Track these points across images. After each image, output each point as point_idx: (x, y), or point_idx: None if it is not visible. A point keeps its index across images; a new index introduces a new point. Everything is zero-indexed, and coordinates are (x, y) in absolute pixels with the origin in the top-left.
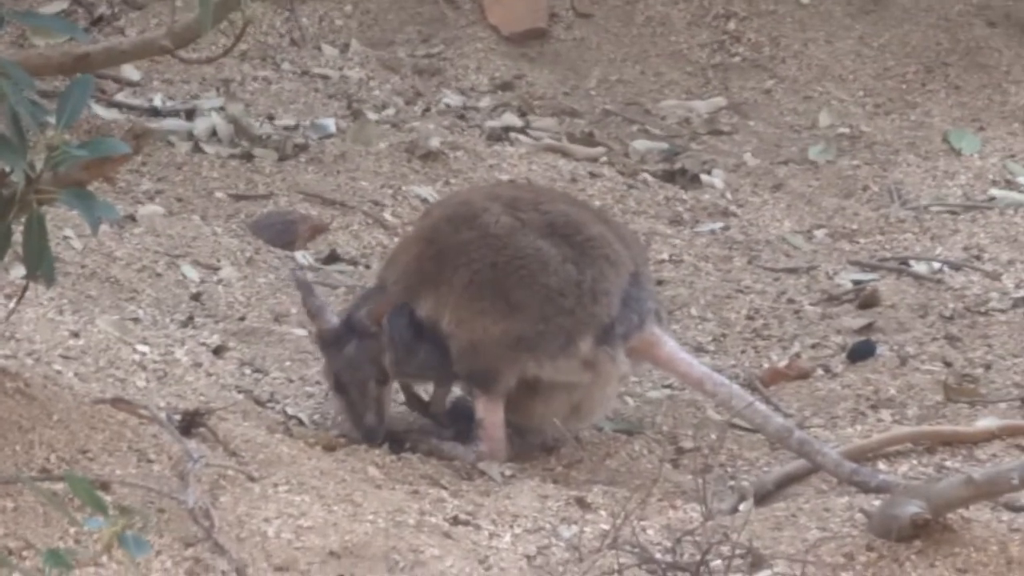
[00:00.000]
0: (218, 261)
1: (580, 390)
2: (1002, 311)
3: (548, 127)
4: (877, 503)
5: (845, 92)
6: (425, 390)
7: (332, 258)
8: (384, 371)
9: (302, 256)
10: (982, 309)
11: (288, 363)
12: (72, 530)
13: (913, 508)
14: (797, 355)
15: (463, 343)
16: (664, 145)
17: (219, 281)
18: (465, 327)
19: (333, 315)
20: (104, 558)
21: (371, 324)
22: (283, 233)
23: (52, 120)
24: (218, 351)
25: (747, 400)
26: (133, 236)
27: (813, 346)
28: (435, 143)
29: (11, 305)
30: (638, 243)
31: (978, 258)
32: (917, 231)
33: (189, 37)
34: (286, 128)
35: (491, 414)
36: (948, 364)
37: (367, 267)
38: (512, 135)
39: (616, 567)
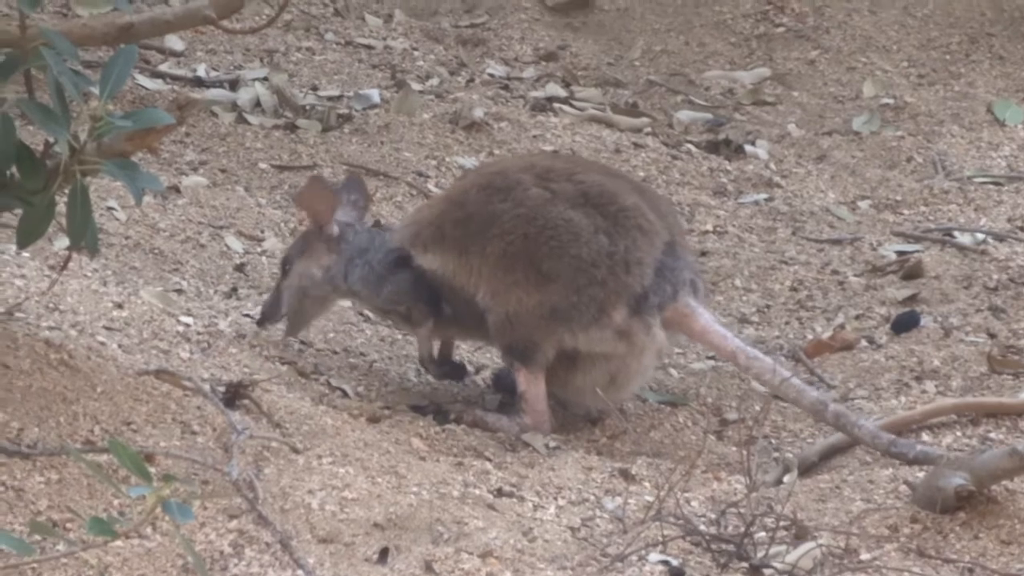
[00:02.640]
0: (262, 232)
1: (616, 361)
2: None
3: (592, 97)
4: (921, 475)
5: (889, 63)
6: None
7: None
8: (287, 265)
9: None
10: None
11: (332, 334)
12: (116, 501)
13: (957, 480)
14: (841, 326)
15: (499, 316)
16: (708, 116)
17: (263, 252)
18: (500, 299)
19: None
20: (149, 529)
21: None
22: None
23: (96, 91)
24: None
25: (782, 374)
26: (177, 207)
27: (857, 317)
28: (479, 114)
29: (55, 276)
30: (674, 213)
31: (1022, 229)
32: (961, 202)
33: (233, 7)
34: (330, 99)
35: (533, 386)
36: (992, 335)
37: None
38: (556, 105)
39: (660, 539)
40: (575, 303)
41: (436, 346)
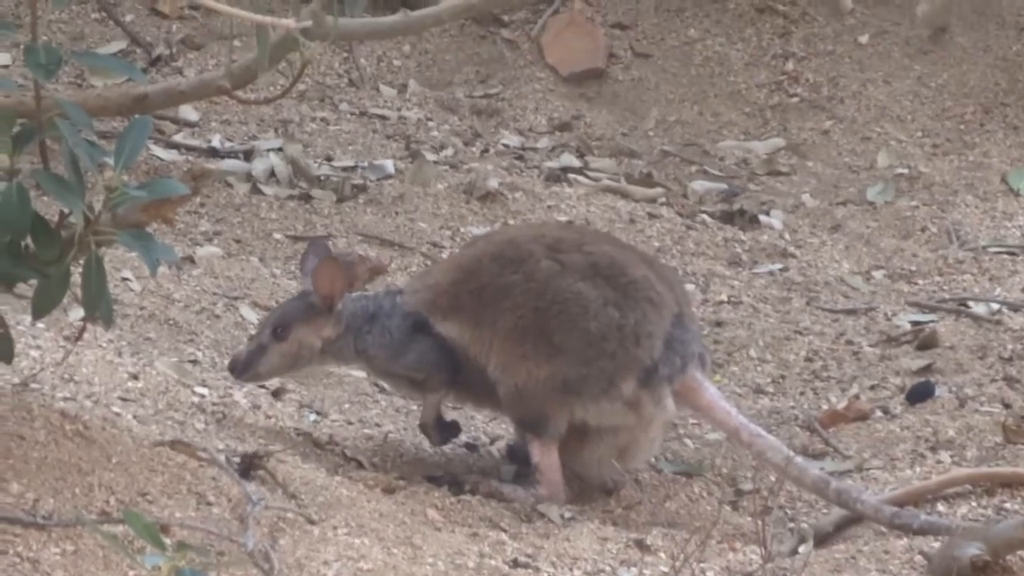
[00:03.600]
0: (276, 303)
1: (626, 433)
2: None
3: (606, 168)
4: (936, 545)
5: (903, 132)
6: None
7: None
8: (284, 329)
9: None
10: None
11: (347, 405)
12: (132, 573)
13: (973, 550)
14: (856, 396)
15: (510, 388)
16: (723, 186)
17: None
18: (510, 372)
19: None
20: None
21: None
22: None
23: (110, 161)
24: (277, 393)
25: (784, 452)
26: (191, 278)
27: (872, 387)
28: (493, 184)
29: (70, 346)
30: (682, 284)
31: None
32: (976, 272)
33: (247, 78)
34: (344, 169)
35: (546, 457)
36: (1007, 405)
37: None
38: (570, 176)
39: None
40: (585, 375)
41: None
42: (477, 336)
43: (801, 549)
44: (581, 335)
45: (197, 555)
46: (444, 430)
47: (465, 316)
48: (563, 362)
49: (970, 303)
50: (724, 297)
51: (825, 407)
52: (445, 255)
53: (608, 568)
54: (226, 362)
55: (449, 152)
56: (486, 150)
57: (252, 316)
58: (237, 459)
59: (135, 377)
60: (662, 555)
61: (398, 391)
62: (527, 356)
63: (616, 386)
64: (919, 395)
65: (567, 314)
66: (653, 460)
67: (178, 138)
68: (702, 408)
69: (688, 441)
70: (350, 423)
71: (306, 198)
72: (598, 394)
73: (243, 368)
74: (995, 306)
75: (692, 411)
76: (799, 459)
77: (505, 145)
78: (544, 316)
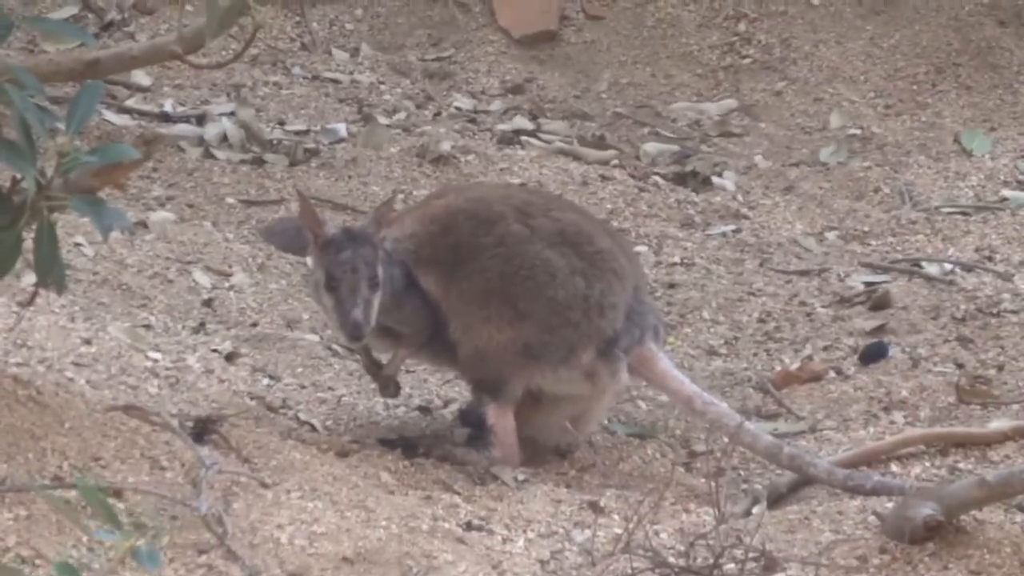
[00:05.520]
0: (230, 267)
1: (580, 402)
2: (1014, 312)
3: (559, 130)
4: (890, 505)
5: (856, 93)
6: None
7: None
8: (376, 277)
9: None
10: (994, 310)
11: (300, 369)
12: (85, 538)
13: (926, 510)
14: (809, 358)
15: (470, 349)
16: (675, 148)
17: (231, 287)
18: (472, 333)
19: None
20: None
21: (374, 228)
22: (294, 239)
23: (62, 126)
24: (230, 357)
25: (737, 419)
26: (144, 243)
27: (825, 348)
28: (446, 147)
29: (22, 312)
30: (637, 257)
31: (990, 259)
32: (929, 232)
33: (199, 42)
34: (297, 133)
35: (502, 420)
36: (960, 366)
37: None
38: (523, 138)
39: (629, 571)
40: (547, 343)
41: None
42: (446, 293)
43: (755, 510)
44: (547, 303)
45: (151, 530)
46: (395, 386)
47: (441, 271)
48: (526, 328)
49: (923, 263)
50: (677, 259)
51: (778, 368)
52: None
53: (562, 530)
54: (341, 334)
55: (402, 115)
56: (438, 113)
57: (205, 281)
58: (190, 423)
59: (88, 342)
60: (615, 517)
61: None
62: (490, 319)
63: (576, 355)
64: (872, 356)
65: (534, 281)
66: (606, 422)
67: (130, 103)
68: (656, 378)
69: (641, 403)
70: (303, 387)
71: (259, 162)
72: (557, 362)
73: (365, 325)
74: (948, 266)
75: (646, 381)
76: (751, 426)
77: (457, 108)
78: (511, 281)
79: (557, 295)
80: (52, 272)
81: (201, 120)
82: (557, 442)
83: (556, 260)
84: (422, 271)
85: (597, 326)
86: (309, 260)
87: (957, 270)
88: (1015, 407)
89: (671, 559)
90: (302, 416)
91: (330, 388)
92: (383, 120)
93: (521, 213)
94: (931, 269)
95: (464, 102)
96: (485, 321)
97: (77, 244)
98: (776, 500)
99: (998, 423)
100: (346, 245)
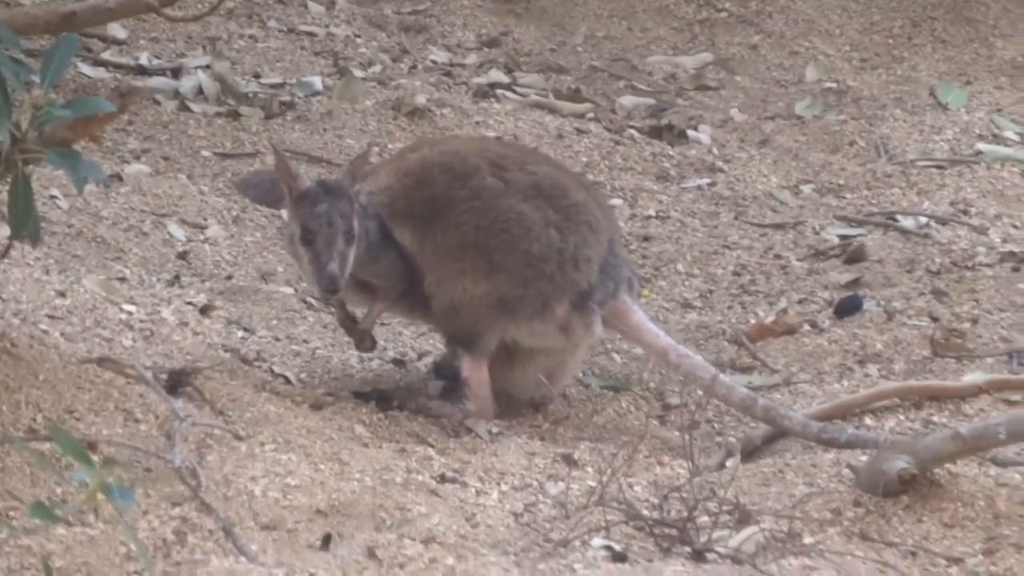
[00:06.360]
0: (205, 220)
1: (554, 355)
2: (989, 266)
3: (535, 83)
4: (864, 458)
5: (831, 47)
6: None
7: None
8: (352, 230)
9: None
10: (969, 264)
11: (275, 321)
12: (59, 489)
13: (900, 463)
14: (784, 311)
15: (444, 303)
16: (651, 101)
17: (206, 240)
18: (446, 287)
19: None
20: (91, 516)
21: (349, 181)
22: (269, 191)
23: (37, 79)
24: (205, 310)
25: (711, 371)
26: (119, 195)
27: (800, 301)
28: (421, 100)
29: None
30: (611, 210)
31: (965, 212)
32: (904, 186)
33: None
34: (272, 86)
35: (476, 373)
36: (935, 319)
37: None
38: (498, 92)
39: (603, 524)
40: (521, 296)
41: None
42: (421, 246)
43: (728, 463)
44: (521, 256)
45: (124, 471)
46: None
47: (415, 224)
48: (501, 281)
49: (898, 217)
50: (652, 212)
51: (753, 321)
52: None
53: (535, 483)
54: (316, 287)
55: (377, 68)
56: (414, 66)
57: (180, 233)
58: (164, 376)
59: (63, 295)
60: (589, 469)
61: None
62: (465, 272)
63: (550, 308)
64: (847, 309)
65: (509, 234)
66: (580, 375)
67: (106, 56)
68: (630, 331)
69: (616, 356)
70: (277, 339)
71: (234, 115)
72: (532, 315)
73: (340, 279)
74: (923, 220)
75: (620, 334)
76: (726, 378)
77: (433, 61)
78: (486, 234)
79: (532, 248)
80: (27, 225)
81: (176, 73)
82: (532, 395)
83: (531, 213)
84: (397, 224)
85: (572, 279)
86: (284, 213)
87: (932, 223)
88: (989, 360)
89: (645, 512)
90: (276, 369)
91: (304, 341)
92: (359, 73)
93: (496, 166)
94: (906, 222)
95: (440, 55)
96: (460, 274)
97: (52, 197)
98: (750, 453)
99: (972, 376)
100: (322, 198)
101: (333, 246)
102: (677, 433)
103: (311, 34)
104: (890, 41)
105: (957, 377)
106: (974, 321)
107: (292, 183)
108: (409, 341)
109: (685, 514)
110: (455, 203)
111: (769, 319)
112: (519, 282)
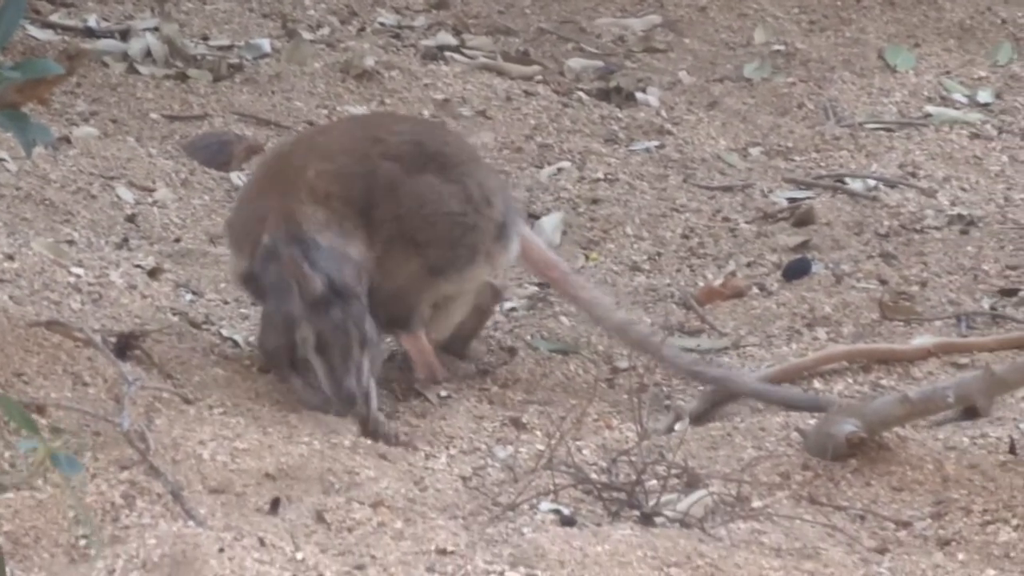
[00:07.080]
0: (153, 183)
1: (482, 285)
2: (937, 228)
3: (483, 46)
4: (813, 422)
5: (780, 9)
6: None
7: None
8: (365, 336)
9: (237, 177)
10: (917, 227)
11: (223, 285)
12: (8, 453)
13: (849, 427)
14: (732, 273)
15: (387, 292)
16: (599, 63)
17: (154, 203)
18: (390, 278)
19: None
20: (40, 481)
21: (355, 284)
22: (218, 154)
23: None
24: (153, 273)
25: (611, 306)
26: (68, 158)
27: (748, 264)
28: (370, 62)
29: None
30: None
31: (913, 175)
32: (852, 148)
33: None
34: (220, 48)
35: (416, 343)
36: (883, 282)
37: None
38: (447, 54)
39: (551, 487)
40: (451, 256)
41: None
42: (372, 253)
43: (677, 427)
44: (443, 220)
45: (71, 437)
46: None
47: (361, 237)
48: (430, 253)
49: (847, 179)
50: (600, 175)
51: (701, 284)
52: None
53: (484, 446)
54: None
55: (326, 31)
56: (363, 28)
57: (128, 196)
58: (113, 339)
59: (11, 258)
60: (538, 433)
61: None
62: (399, 261)
63: (478, 252)
64: (795, 272)
65: (425, 208)
66: (529, 338)
67: (54, 18)
68: (532, 260)
69: (564, 319)
70: (226, 303)
71: (182, 77)
72: (462, 266)
73: (358, 395)
74: (871, 182)
75: (523, 263)
76: (608, 297)
77: (382, 23)
78: (406, 222)
79: (450, 208)
80: None
81: (125, 35)
82: (479, 358)
83: (431, 180)
84: (352, 245)
85: (487, 216)
86: (266, 237)
87: (880, 186)
88: (937, 323)
89: (593, 475)
90: (225, 332)
91: (253, 304)
92: (307, 35)
93: (376, 143)
94: (855, 185)
95: (388, 17)
96: (399, 264)
97: (0, 159)
98: (698, 417)
99: (921, 339)
100: (335, 303)
101: (350, 359)
102: (626, 396)
103: None
104: (838, 3)
105: (906, 340)
106: (923, 284)
107: (304, 283)
108: None
109: (633, 478)
110: (374, 204)
111: (717, 282)
112: (448, 245)
